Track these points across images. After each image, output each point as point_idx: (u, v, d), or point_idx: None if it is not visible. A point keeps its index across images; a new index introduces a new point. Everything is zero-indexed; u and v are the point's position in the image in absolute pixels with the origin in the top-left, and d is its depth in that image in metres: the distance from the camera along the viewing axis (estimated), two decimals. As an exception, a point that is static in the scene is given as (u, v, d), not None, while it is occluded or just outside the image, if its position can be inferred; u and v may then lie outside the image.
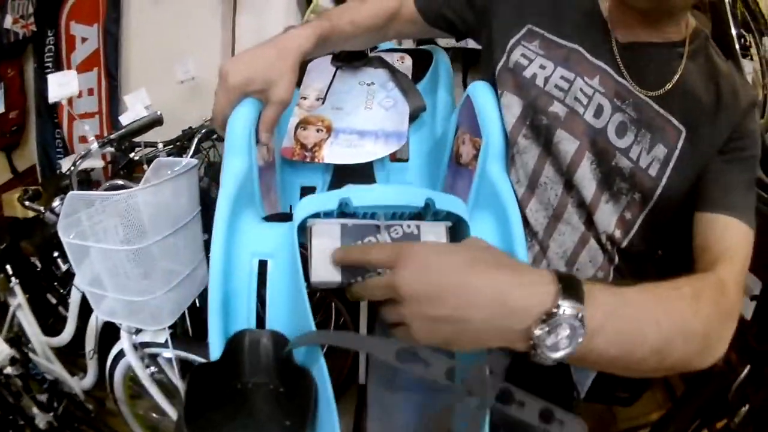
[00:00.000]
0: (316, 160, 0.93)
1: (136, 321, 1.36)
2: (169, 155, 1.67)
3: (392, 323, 0.56)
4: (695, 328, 0.61)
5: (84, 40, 2.57)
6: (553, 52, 0.89)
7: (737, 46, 1.56)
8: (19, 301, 2.01)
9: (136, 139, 1.71)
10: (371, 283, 0.58)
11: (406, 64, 1.12)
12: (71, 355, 1.99)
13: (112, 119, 2.52)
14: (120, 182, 1.61)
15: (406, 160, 1.02)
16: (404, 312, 0.53)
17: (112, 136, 1.57)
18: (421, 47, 1.19)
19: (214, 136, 1.73)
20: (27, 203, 1.68)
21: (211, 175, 1.72)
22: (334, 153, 0.94)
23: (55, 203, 1.60)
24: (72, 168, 1.54)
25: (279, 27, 2.17)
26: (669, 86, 0.84)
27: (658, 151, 0.83)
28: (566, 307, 0.51)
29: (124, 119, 1.66)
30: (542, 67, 0.89)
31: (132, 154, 1.68)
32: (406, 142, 0.99)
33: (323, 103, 1.03)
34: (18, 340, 2.04)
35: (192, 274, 1.35)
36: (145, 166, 1.62)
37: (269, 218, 0.73)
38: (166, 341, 1.43)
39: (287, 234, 0.65)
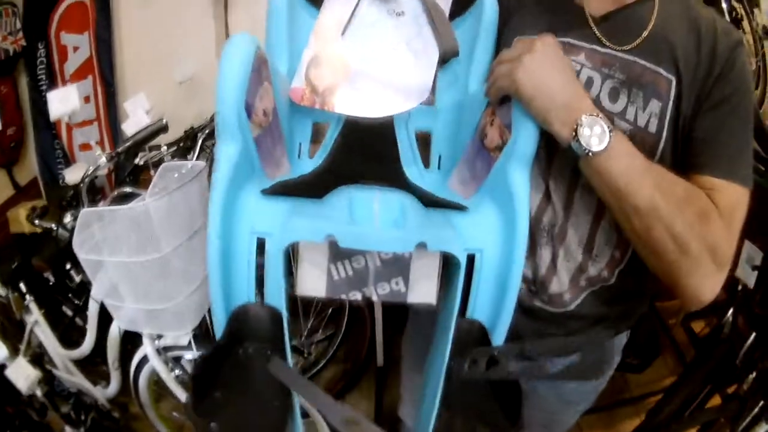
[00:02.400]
0: (326, 107, 0.83)
1: (159, 327, 1.36)
2: (173, 157, 1.65)
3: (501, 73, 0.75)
4: (677, 222, 0.73)
5: (76, 49, 2.54)
6: None
7: (728, 19, 1.56)
8: (35, 317, 2.00)
9: (139, 142, 1.68)
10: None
11: None
12: (91, 365, 1.99)
13: (111, 125, 2.50)
14: (128, 190, 1.60)
15: (432, 104, 0.91)
16: (520, 61, 0.72)
17: (120, 150, 1.54)
18: None
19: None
20: (38, 221, 1.67)
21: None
22: (347, 101, 0.84)
23: (67, 219, 1.58)
24: (81, 184, 1.52)
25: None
26: (645, 33, 0.84)
27: (653, 106, 0.82)
28: (604, 119, 0.71)
29: (127, 127, 1.63)
30: None
31: (137, 160, 1.66)
32: (434, 82, 0.89)
33: (343, 34, 0.89)
34: (40, 357, 2.04)
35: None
36: (151, 172, 1.60)
37: (269, 191, 0.71)
38: (190, 343, 1.43)
39: (283, 212, 0.67)
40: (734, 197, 0.80)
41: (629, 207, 0.74)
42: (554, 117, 0.72)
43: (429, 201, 0.75)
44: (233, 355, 0.67)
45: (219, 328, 0.68)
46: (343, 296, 0.64)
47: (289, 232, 0.62)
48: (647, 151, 0.81)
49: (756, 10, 1.89)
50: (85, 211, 1.24)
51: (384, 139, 0.85)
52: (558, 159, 0.88)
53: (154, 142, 1.69)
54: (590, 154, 0.71)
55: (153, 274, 1.25)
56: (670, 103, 0.82)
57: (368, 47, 0.88)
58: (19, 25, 2.61)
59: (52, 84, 2.62)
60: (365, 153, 0.85)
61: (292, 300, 0.70)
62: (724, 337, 1.70)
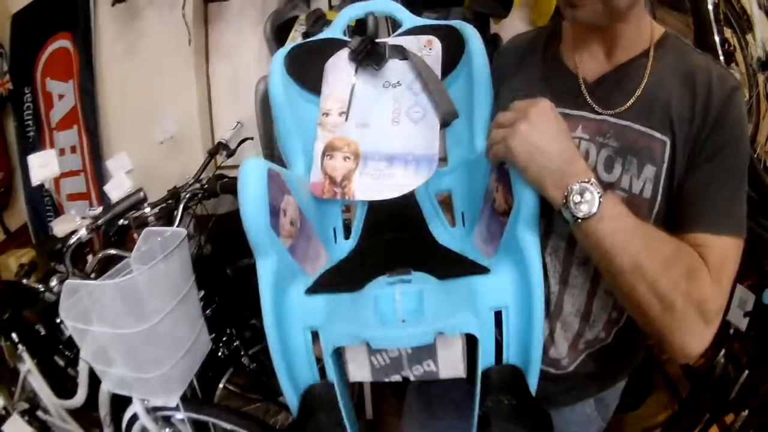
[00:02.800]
0: (347, 197, 0.89)
1: (147, 393, 1.39)
2: (157, 219, 1.68)
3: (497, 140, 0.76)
4: (661, 281, 0.73)
5: (61, 96, 2.54)
6: None
7: (720, 54, 1.52)
8: (28, 366, 2.02)
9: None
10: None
11: (434, 52, 0.94)
12: (87, 412, 2.01)
13: (97, 176, 2.50)
14: (113, 252, 1.63)
15: (444, 160, 0.95)
16: (514, 128, 0.73)
17: (99, 222, 1.56)
18: (447, 23, 0.97)
19: (199, 195, 1.74)
20: (25, 281, 1.70)
21: (199, 230, 1.74)
22: (365, 187, 0.89)
23: (53, 282, 1.61)
24: (65, 250, 1.55)
25: (252, 73, 2.19)
26: (638, 92, 0.84)
27: (647, 172, 0.83)
28: (595, 186, 0.70)
29: (109, 189, 1.66)
30: None
31: (120, 221, 1.69)
32: (443, 140, 0.93)
33: (347, 118, 0.93)
34: (33, 408, 2.07)
35: (195, 341, 1.38)
36: (135, 235, 1.63)
37: (311, 290, 0.78)
38: (177, 405, 1.46)
39: (328, 307, 0.76)
40: (723, 251, 0.79)
41: (614, 267, 0.74)
42: (547, 183, 0.72)
43: (454, 271, 0.80)
44: (309, 426, 0.76)
45: (293, 408, 0.78)
46: (387, 379, 0.72)
47: (332, 336, 0.71)
48: (642, 217, 0.81)
49: (750, 40, 1.81)
50: (69, 283, 1.27)
51: (407, 207, 0.92)
52: (553, 235, 0.89)
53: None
54: (579, 220, 0.71)
55: (141, 341, 1.28)
56: (665, 165, 0.82)
57: (372, 127, 0.92)
58: (6, 67, 2.63)
59: (39, 130, 2.63)
60: (393, 225, 0.91)
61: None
62: (716, 377, 1.72)
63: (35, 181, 1.59)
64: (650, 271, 0.73)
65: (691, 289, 0.74)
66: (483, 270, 0.79)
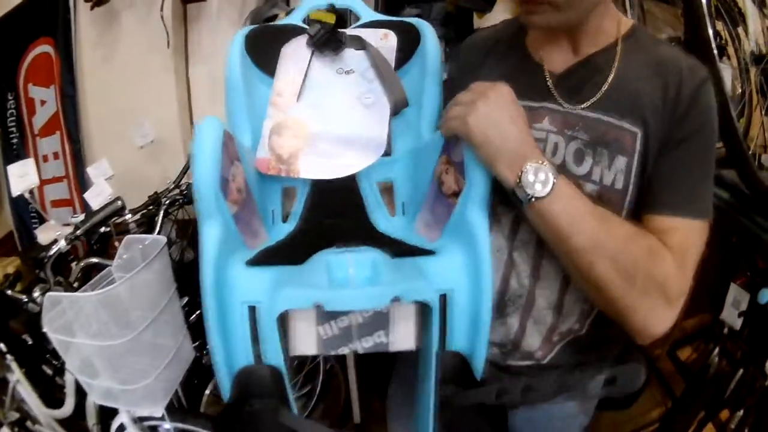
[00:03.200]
0: (293, 174, 0.88)
1: (132, 404, 1.36)
2: (138, 226, 1.66)
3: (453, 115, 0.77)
4: (621, 257, 0.74)
5: (43, 102, 2.52)
6: None
7: (714, 48, 1.47)
8: (17, 376, 2.00)
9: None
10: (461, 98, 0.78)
11: (389, 44, 0.97)
12: (76, 421, 1.99)
13: (80, 182, 2.48)
14: (95, 260, 1.61)
15: (389, 155, 0.94)
16: (473, 106, 0.74)
17: (78, 232, 1.54)
18: (405, 19, 1.00)
19: (180, 200, 1.72)
20: (9, 292, 1.67)
21: (181, 235, 1.72)
22: (311, 165, 0.89)
23: (36, 293, 1.58)
24: (46, 260, 1.52)
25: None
26: (605, 87, 0.83)
27: (618, 163, 0.82)
28: (549, 167, 0.72)
29: (89, 197, 1.64)
30: None
31: (102, 229, 1.66)
32: (389, 133, 0.92)
33: (298, 99, 0.94)
34: (23, 419, 2.05)
35: (179, 350, 1.35)
36: (116, 242, 1.61)
37: (253, 261, 0.76)
38: (163, 416, 1.44)
39: (270, 280, 0.72)
40: (687, 233, 0.80)
41: (572, 246, 0.75)
42: (501, 162, 0.73)
43: (398, 250, 0.79)
44: (242, 413, 0.74)
45: (225, 391, 0.74)
46: (333, 352, 0.70)
47: (280, 300, 0.68)
48: (615, 209, 0.82)
49: (742, 33, 1.75)
50: (50, 295, 1.25)
51: (349, 194, 0.91)
52: (522, 229, 0.88)
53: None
54: (533, 199, 0.72)
55: (125, 352, 1.26)
56: (636, 156, 0.82)
57: (323, 108, 0.92)
58: (-11, 72, 2.60)
59: (23, 137, 2.61)
60: (334, 211, 0.90)
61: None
62: (711, 375, 1.72)
63: (15, 191, 1.58)
64: (609, 247, 0.74)
65: (651, 266, 0.75)
66: (428, 252, 0.79)
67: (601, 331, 0.92)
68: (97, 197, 1.62)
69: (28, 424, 2.06)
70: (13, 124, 2.64)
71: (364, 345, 0.69)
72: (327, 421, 2.17)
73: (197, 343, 1.00)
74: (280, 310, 0.68)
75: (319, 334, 0.70)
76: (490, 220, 0.84)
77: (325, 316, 0.68)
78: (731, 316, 1.58)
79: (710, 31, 1.46)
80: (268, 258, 0.78)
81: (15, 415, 2.08)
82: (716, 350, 1.72)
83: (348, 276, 0.70)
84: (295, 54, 0.96)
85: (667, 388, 2.00)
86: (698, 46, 1.44)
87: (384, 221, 0.91)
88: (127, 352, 1.26)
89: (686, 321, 2.03)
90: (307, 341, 0.70)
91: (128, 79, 2.23)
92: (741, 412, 1.57)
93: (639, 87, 0.82)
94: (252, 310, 0.72)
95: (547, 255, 0.87)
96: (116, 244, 1.61)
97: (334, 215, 0.91)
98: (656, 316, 0.77)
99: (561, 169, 0.82)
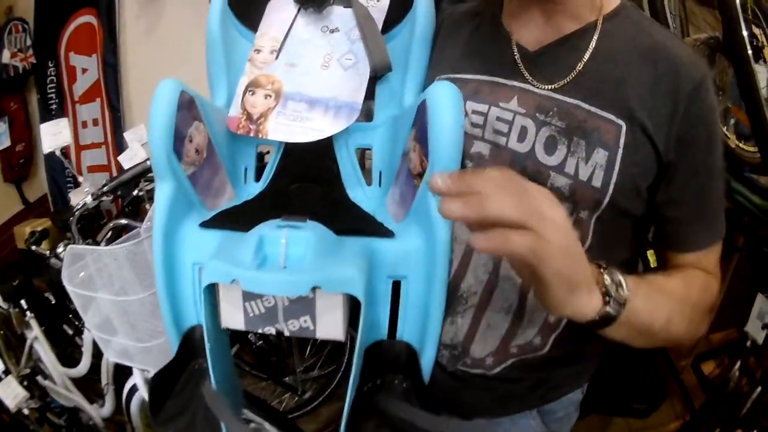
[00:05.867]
0: (261, 135, 0.82)
1: (147, 363, 1.35)
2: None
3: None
4: (690, 312, 0.71)
5: (84, 70, 2.52)
6: (461, 91, 0.78)
7: (749, 50, 1.42)
8: (35, 333, 2.01)
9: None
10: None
11: (381, 5, 0.89)
12: (90, 381, 1.99)
13: (118, 150, 2.45)
14: (124, 222, 1.60)
15: (371, 120, 0.87)
16: (544, 234, 0.52)
17: (105, 189, 1.53)
18: None
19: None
20: (33, 248, 1.68)
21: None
22: (279, 127, 0.82)
23: (60, 249, 1.58)
24: (71, 218, 1.52)
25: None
26: (579, 67, 0.73)
27: (598, 157, 0.71)
28: (612, 271, 0.63)
29: (123, 159, 1.63)
30: None
31: (135, 192, 1.66)
32: (372, 99, 0.86)
33: (277, 57, 0.87)
34: (35, 373, 2.06)
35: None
36: (147, 206, 1.60)
37: (206, 224, 0.75)
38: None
39: (218, 243, 0.72)
40: (716, 254, 0.78)
41: (653, 331, 0.68)
42: (581, 291, 0.59)
43: (357, 227, 0.75)
44: (187, 371, 0.74)
45: (174, 346, 0.74)
46: (260, 330, 0.67)
47: (206, 273, 0.65)
48: (588, 208, 0.73)
49: None
50: (72, 248, 1.25)
51: (324, 160, 0.85)
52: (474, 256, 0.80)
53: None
54: (627, 302, 0.62)
55: (145, 309, 1.25)
56: (620, 152, 0.71)
57: (300, 68, 0.86)
58: (29, 41, 2.62)
59: (62, 103, 2.63)
60: (305, 175, 0.85)
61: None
62: (729, 391, 1.65)
63: (46, 148, 1.57)
64: (681, 313, 0.71)
65: (706, 300, 0.74)
66: (387, 233, 0.73)
67: (568, 350, 0.81)
68: (130, 160, 1.61)
69: (39, 378, 2.06)
70: (52, 90, 2.64)
71: (291, 328, 0.66)
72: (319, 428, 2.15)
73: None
74: (205, 282, 0.65)
75: (246, 310, 0.67)
76: None
77: (252, 294, 0.65)
78: (755, 328, 1.50)
79: (745, 33, 1.42)
80: (221, 221, 0.76)
81: (26, 371, 2.09)
82: (737, 365, 1.66)
83: (276, 255, 0.66)
84: (280, 9, 0.91)
85: (688, 402, 1.93)
86: (733, 48, 1.41)
87: (358, 190, 0.85)
88: (147, 309, 1.24)
89: (713, 334, 1.98)
90: (235, 316, 0.67)
91: (170, 51, 2.19)
92: (755, 432, 1.52)
93: (624, 73, 0.72)
94: (200, 271, 0.71)
95: None
96: (147, 207, 1.60)
97: (305, 179, 0.85)
98: (701, 331, 0.76)
99: (528, 158, 0.75)
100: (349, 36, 0.87)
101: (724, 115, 1.66)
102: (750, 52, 1.46)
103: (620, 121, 0.71)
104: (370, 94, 0.85)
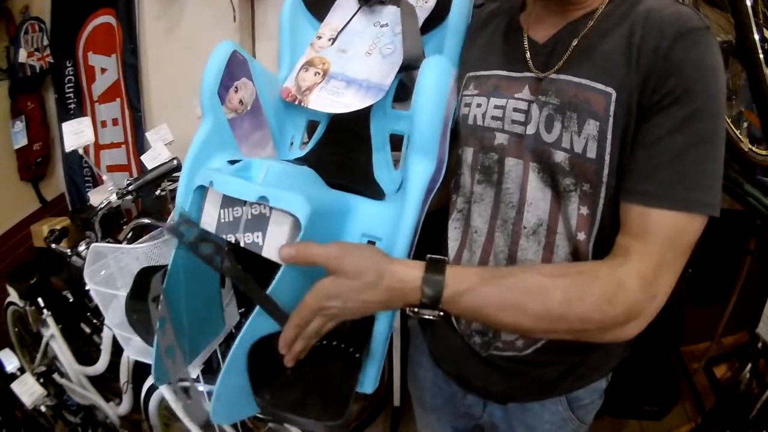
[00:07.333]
0: (303, 103, 0.96)
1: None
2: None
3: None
4: (573, 325, 0.69)
5: (103, 70, 2.51)
6: (484, 87, 0.87)
7: (761, 54, 1.44)
8: (52, 332, 2.01)
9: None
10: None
11: (428, 5, 0.99)
12: (106, 380, 1.99)
13: (138, 150, 2.45)
14: (146, 221, 1.60)
15: (408, 110, 0.94)
16: (338, 291, 0.69)
17: (130, 187, 1.53)
18: None
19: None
20: (53, 246, 1.67)
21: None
22: (319, 100, 0.95)
23: (81, 247, 1.57)
24: (94, 218, 1.52)
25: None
26: (575, 42, 0.76)
27: (589, 128, 0.72)
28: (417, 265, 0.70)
29: (146, 159, 1.63)
30: (478, 105, 0.86)
31: (157, 192, 1.66)
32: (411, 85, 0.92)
33: (333, 43, 1.02)
34: (50, 371, 2.05)
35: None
36: (171, 206, 1.60)
37: (234, 161, 0.82)
38: (198, 377, 1.41)
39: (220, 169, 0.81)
40: (673, 228, 0.67)
41: (515, 327, 0.73)
42: (386, 294, 0.70)
43: (351, 186, 0.85)
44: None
45: None
46: (224, 236, 0.74)
47: (198, 177, 0.76)
48: (590, 180, 0.74)
49: None
50: (95, 246, 1.25)
51: (359, 140, 0.97)
52: (502, 205, 0.83)
53: (176, 174, 1.68)
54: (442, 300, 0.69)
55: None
56: (611, 120, 0.70)
57: (349, 53, 0.99)
58: (46, 41, 2.62)
59: (81, 103, 2.62)
60: (340, 150, 0.97)
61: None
62: (740, 393, 1.65)
63: (68, 147, 1.56)
64: (559, 324, 0.69)
65: (609, 311, 0.67)
66: (375, 196, 0.84)
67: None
68: (153, 160, 1.61)
69: (55, 376, 2.06)
70: (70, 90, 2.63)
71: (245, 240, 0.73)
72: (365, 402, 2.16)
73: (242, 310, 1.00)
74: (195, 183, 0.76)
75: (220, 216, 0.75)
76: (469, 200, 0.87)
77: (228, 202, 0.73)
78: (766, 329, 1.50)
79: (756, 37, 1.45)
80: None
81: (42, 368, 2.09)
82: (748, 367, 1.66)
83: (257, 177, 0.74)
84: (345, 6, 1.06)
85: (699, 404, 1.93)
86: (744, 51, 1.44)
87: (384, 171, 0.95)
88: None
89: (725, 338, 1.97)
90: (212, 217, 0.75)
91: (191, 52, 2.16)
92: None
93: (615, 43, 0.71)
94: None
95: (525, 232, 0.80)
96: (170, 207, 1.60)
97: (341, 153, 0.97)
98: (623, 332, 0.70)
99: (536, 139, 0.78)
100: (394, 30, 0.99)
101: (737, 118, 1.67)
102: (761, 56, 1.47)
103: (609, 89, 0.71)
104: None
